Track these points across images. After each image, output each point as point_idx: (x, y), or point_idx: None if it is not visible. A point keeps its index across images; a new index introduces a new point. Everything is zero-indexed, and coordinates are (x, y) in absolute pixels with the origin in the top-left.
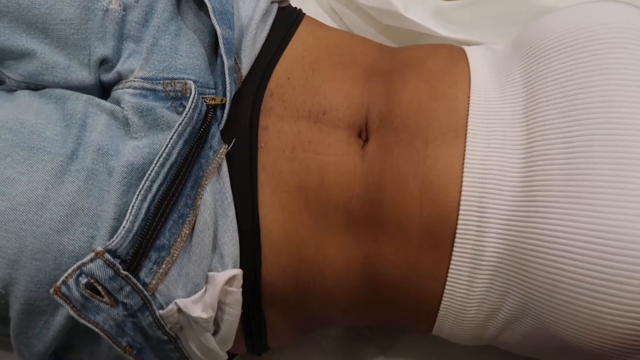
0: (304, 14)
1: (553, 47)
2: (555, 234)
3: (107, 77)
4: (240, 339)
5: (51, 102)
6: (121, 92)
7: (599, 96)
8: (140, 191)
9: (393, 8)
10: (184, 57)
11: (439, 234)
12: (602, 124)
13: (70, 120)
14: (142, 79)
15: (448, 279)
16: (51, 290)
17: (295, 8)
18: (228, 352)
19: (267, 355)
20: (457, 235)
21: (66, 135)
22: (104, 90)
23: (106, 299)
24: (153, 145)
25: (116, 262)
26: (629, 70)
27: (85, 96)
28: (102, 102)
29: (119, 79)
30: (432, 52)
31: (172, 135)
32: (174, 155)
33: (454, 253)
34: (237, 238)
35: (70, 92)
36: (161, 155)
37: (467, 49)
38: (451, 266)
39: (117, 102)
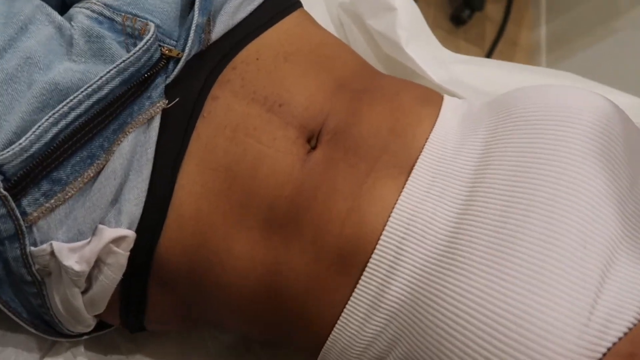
0: (302, 6)
1: (522, 116)
2: (456, 300)
3: None
4: (115, 309)
5: None
6: (78, 11)
7: (547, 176)
8: (54, 114)
9: (396, 38)
10: None
11: (351, 261)
12: (542, 207)
13: (11, 19)
14: (104, 4)
15: (345, 310)
16: None
17: None
18: (102, 322)
19: (143, 340)
20: (367, 268)
21: (1, 32)
22: (64, 5)
23: None
24: (88, 73)
25: None
26: (587, 162)
27: (38, 1)
28: (54, 13)
29: None
30: (409, 88)
31: (111, 70)
32: (105, 90)
33: (358, 286)
34: (143, 200)
35: None
36: (91, 85)
37: (446, 97)
38: (352, 298)
39: (70, 20)
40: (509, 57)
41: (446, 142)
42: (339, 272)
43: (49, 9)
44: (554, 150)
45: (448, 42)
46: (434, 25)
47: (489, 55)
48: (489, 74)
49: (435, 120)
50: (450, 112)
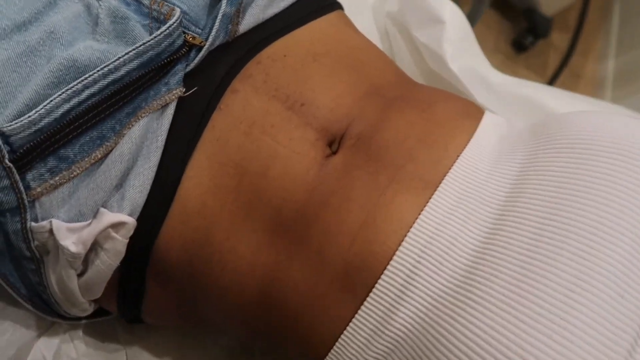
0: (341, 8)
1: (565, 142)
2: (468, 337)
3: None
4: (113, 297)
5: None
6: None
7: (586, 211)
8: (67, 90)
9: (441, 52)
10: None
11: (358, 279)
12: (577, 245)
13: None
14: None
15: (346, 331)
16: None
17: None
18: (101, 309)
19: (142, 333)
20: (374, 290)
21: (29, 4)
22: None
23: None
24: (107, 53)
25: (4, 147)
26: (635, 202)
27: None
28: None
29: None
30: (448, 99)
31: (129, 51)
32: (122, 72)
33: (363, 307)
34: (149, 187)
35: None
36: (108, 65)
37: (488, 112)
38: (355, 320)
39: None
40: (571, 90)
41: (480, 160)
42: (343, 289)
43: None
44: (598, 184)
45: (506, 67)
46: (494, 50)
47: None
48: (543, 100)
49: (472, 136)
50: (489, 129)
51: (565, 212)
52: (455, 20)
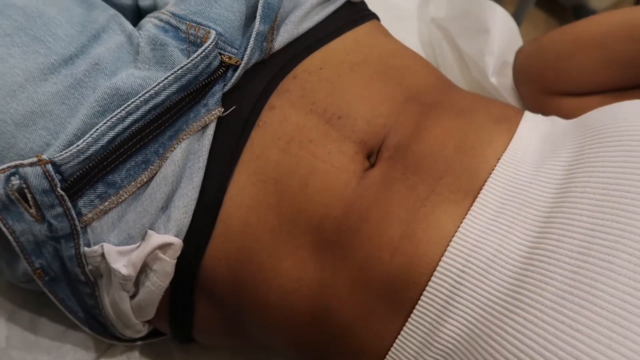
0: (375, 17)
1: (613, 135)
2: (519, 349)
3: (144, 2)
4: (165, 318)
5: (81, 6)
6: (148, 20)
7: None
8: (111, 118)
9: (483, 64)
10: (221, 8)
11: (402, 293)
12: (631, 248)
13: (87, 27)
14: (172, 14)
15: (395, 346)
16: None
17: (367, 9)
18: (156, 330)
19: (197, 352)
20: (419, 303)
21: (75, 39)
22: (140, 16)
23: (33, 210)
24: (148, 79)
25: (56, 177)
26: None
27: (113, 11)
28: (126, 23)
29: (154, 8)
30: (486, 103)
31: (169, 76)
32: (162, 96)
33: (410, 320)
34: (193, 208)
35: (103, 2)
36: (148, 90)
37: (527, 113)
38: (402, 333)
39: (140, 29)
40: None
41: (521, 164)
42: (388, 303)
43: (122, 19)
44: None
45: None
46: None
47: None
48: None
49: (511, 139)
50: (529, 130)
51: (617, 212)
52: (504, 29)
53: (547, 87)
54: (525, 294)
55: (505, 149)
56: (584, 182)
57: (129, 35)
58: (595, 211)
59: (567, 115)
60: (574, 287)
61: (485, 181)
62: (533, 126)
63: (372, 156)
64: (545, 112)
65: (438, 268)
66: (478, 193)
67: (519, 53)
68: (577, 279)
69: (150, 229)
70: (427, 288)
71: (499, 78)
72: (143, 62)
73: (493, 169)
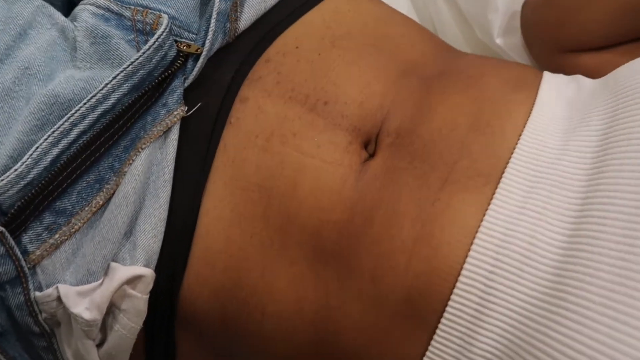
0: None
1: None
2: (568, 356)
3: None
4: None
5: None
6: (82, 9)
7: None
8: (53, 132)
9: (486, 23)
10: None
11: (423, 306)
12: None
13: (8, 24)
14: None
15: None
16: None
17: None
18: None
19: None
20: (445, 315)
21: None
22: (72, 4)
23: None
24: (92, 81)
25: None
26: None
27: (39, 1)
28: (57, 14)
29: None
30: (498, 68)
31: (117, 74)
32: (112, 100)
33: (436, 337)
34: (162, 229)
35: None
36: (95, 94)
37: (546, 74)
38: (428, 354)
39: (74, 19)
40: None
41: (547, 137)
42: (408, 319)
43: (51, 9)
44: None
45: None
46: None
47: None
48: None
49: (532, 109)
50: (551, 95)
51: None
52: None
53: (561, 43)
54: (569, 291)
55: (527, 122)
56: (621, 152)
57: (61, 28)
58: (638, 184)
59: (589, 74)
60: (624, 276)
61: (508, 162)
62: (555, 90)
63: (370, 145)
64: (564, 72)
65: (463, 272)
66: (500, 177)
67: (525, 6)
68: (626, 267)
69: (113, 260)
70: (453, 297)
71: (506, 38)
72: (83, 61)
73: (515, 147)
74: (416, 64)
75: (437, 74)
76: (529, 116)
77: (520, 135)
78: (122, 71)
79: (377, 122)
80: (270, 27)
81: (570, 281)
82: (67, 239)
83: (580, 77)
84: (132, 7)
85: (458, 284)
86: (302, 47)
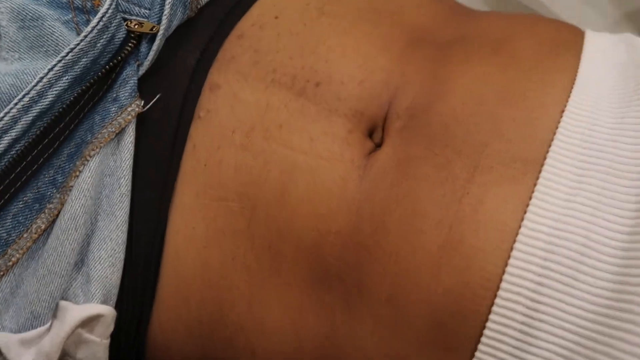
0: None
1: None
2: None
3: None
4: None
5: None
6: None
7: None
8: None
9: None
10: None
11: (455, 329)
12: None
13: None
14: None
15: None
16: None
17: None
18: None
19: None
20: (483, 340)
21: None
22: None
23: None
24: (23, 75)
25: None
26: None
27: None
28: None
29: None
30: (528, 27)
31: (54, 65)
32: (50, 98)
33: None
34: (122, 255)
35: None
36: (28, 92)
37: (590, 33)
38: None
39: None
40: None
41: (597, 111)
42: (437, 347)
43: None
44: None
45: None
46: None
47: None
48: None
49: (575, 76)
50: (597, 60)
51: None
52: None
53: None
54: (635, 301)
55: (570, 93)
56: None
57: None
58: None
59: None
60: None
61: (550, 143)
62: (602, 52)
63: (376, 132)
64: None
65: (503, 285)
66: (542, 163)
67: None
68: None
69: (63, 299)
70: (492, 317)
71: None
72: (10, 50)
73: (558, 124)
74: (426, 29)
75: (453, 40)
76: (572, 86)
77: (563, 110)
78: (59, 61)
79: (383, 102)
80: None
81: (636, 288)
82: (2, 275)
83: (629, 36)
84: None
85: (497, 301)
86: (282, 17)
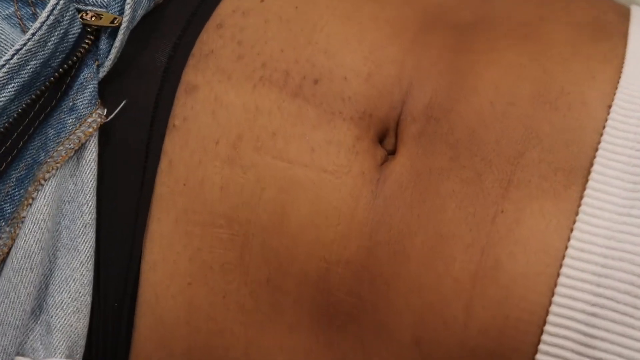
0: None
1: None
2: None
3: None
4: None
5: None
6: None
7: None
8: None
9: None
10: None
11: None
12: None
13: None
14: None
15: None
16: None
17: None
18: None
19: None
20: None
21: None
22: None
23: None
24: None
25: None
26: None
27: None
28: None
29: None
30: (562, 6)
31: None
32: None
33: None
34: (89, 299)
35: None
36: None
37: (636, 11)
38: None
39: None
40: None
41: None
42: None
43: None
44: None
45: None
46: None
47: None
48: None
49: (622, 67)
50: None
51: None
52: None
53: None
54: None
55: (617, 87)
56: None
57: None
58: None
59: None
60: None
61: (596, 147)
62: None
63: (388, 137)
64: None
65: (550, 318)
66: (589, 170)
67: None
68: None
69: (19, 354)
70: (539, 356)
71: None
72: None
73: (605, 125)
74: (442, 8)
75: (473, 22)
76: (619, 78)
77: (610, 107)
78: (3, 65)
79: (395, 102)
80: None
81: None
82: None
83: None
84: None
85: (544, 337)
86: (269, 0)
